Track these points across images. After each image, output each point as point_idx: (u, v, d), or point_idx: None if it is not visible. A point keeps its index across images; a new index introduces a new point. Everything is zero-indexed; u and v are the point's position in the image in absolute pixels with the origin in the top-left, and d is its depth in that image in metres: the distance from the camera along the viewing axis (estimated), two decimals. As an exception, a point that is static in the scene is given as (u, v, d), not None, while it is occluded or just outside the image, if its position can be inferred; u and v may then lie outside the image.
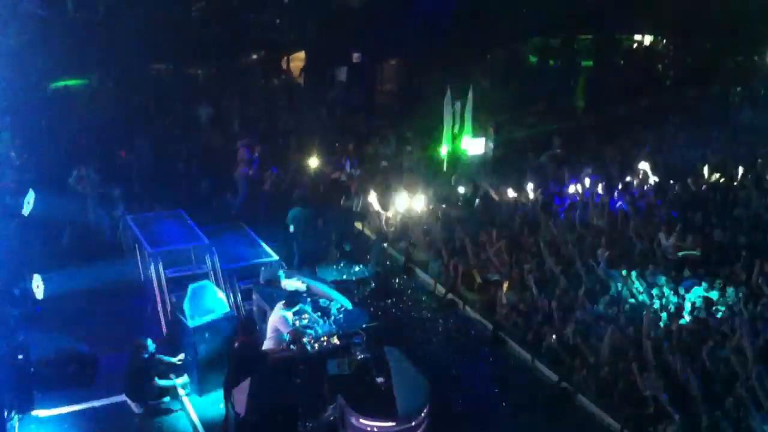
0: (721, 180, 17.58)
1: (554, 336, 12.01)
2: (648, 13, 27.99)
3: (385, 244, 16.05)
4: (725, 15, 25.32)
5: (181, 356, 11.22)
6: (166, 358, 11.17)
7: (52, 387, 10.87)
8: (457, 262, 14.45)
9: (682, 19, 26.88)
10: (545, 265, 13.80)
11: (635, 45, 30.41)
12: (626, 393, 10.75)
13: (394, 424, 9.40)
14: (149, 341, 10.81)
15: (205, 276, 12.33)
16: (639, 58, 28.68)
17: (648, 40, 31.14)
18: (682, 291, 12.79)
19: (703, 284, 12.95)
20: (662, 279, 13.07)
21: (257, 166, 18.56)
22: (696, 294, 12.66)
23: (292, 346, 10.41)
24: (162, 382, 10.91)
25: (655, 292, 12.82)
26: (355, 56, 26.01)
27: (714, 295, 12.65)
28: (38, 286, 11.36)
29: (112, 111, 21.17)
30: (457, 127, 19.70)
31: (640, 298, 12.70)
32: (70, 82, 21.75)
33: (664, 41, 30.33)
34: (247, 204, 17.76)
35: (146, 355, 10.73)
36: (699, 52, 27.72)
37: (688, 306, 12.34)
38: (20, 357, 10.37)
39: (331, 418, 9.84)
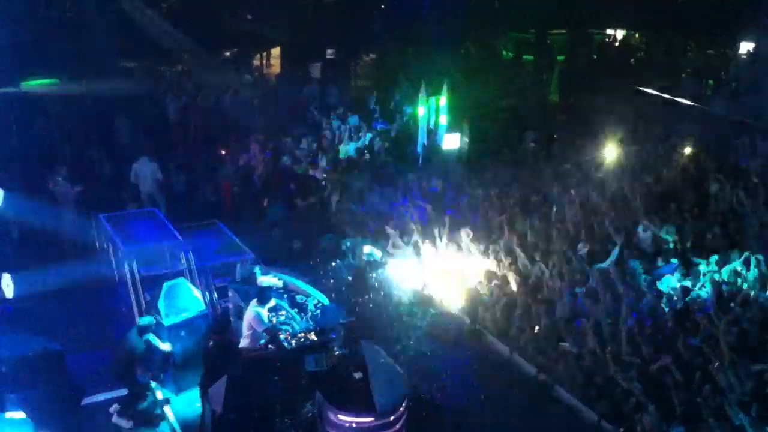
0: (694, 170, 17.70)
1: (535, 328, 12.08)
2: (620, 9, 28.28)
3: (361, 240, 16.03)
4: (695, 10, 25.64)
5: (168, 345, 10.98)
6: (155, 341, 10.91)
7: (23, 387, 10.68)
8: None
9: (653, 14, 27.15)
10: (523, 258, 13.85)
11: (607, 39, 30.62)
12: (604, 385, 10.82)
13: (372, 419, 9.36)
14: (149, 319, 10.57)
15: (180, 274, 12.23)
16: (611, 53, 28.84)
17: (620, 34, 31.38)
18: (657, 280, 12.88)
19: (677, 273, 13.06)
20: (639, 269, 13.14)
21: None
22: (670, 283, 12.76)
23: (269, 344, 10.35)
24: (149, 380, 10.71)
25: (630, 281, 12.91)
26: (330, 52, 25.95)
27: (688, 283, 12.74)
28: (8, 285, 11.19)
29: (83, 110, 21.03)
30: (432, 121, 19.73)
31: (619, 288, 12.75)
32: (41, 81, 21.50)
33: (637, 35, 30.58)
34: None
35: (147, 336, 10.46)
36: (671, 46, 27.92)
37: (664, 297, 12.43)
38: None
39: (309, 414, 9.80)
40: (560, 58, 27.41)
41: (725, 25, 26.16)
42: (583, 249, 14.06)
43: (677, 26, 26.94)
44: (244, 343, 10.71)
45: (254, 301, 10.72)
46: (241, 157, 18.92)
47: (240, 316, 11.23)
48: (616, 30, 31.46)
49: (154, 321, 10.66)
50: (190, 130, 21.18)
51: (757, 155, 18.01)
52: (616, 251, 13.34)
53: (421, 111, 19.52)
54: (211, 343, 10.16)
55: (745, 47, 27.61)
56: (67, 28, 21.37)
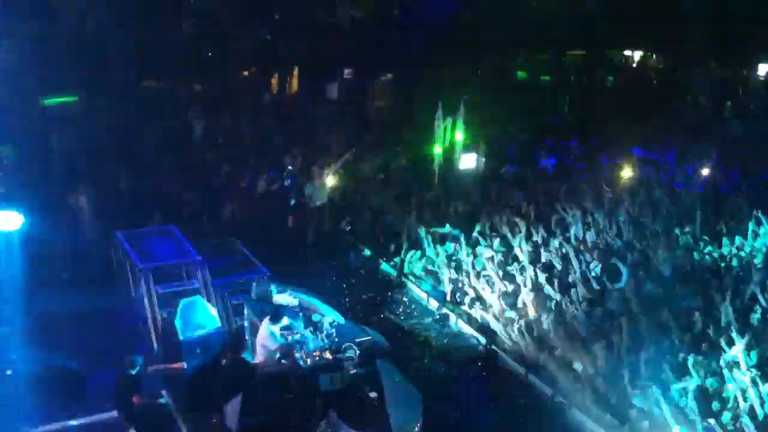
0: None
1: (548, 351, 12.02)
2: (638, 29, 28.26)
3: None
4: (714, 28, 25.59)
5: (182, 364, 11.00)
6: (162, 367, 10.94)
7: (41, 404, 10.75)
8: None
9: (671, 35, 27.12)
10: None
11: (625, 60, 30.60)
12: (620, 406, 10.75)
13: (387, 439, 9.32)
14: (137, 358, 10.68)
15: (197, 292, 12.26)
16: (629, 74, 28.81)
17: (638, 55, 31.34)
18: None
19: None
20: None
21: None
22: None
23: (283, 362, 10.34)
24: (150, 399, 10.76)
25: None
26: (347, 72, 26.10)
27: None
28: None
29: (104, 128, 21.22)
30: (448, 141, 19.76)
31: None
32: (61, 99, 21.72)
33: (654, 56, 30.52)
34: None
35: (134, 371, 10.58)
36: (688, 66, 27.84)
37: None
38: (9, 373, 10.27)
39: (324, 433, 9.78)
40: (576, 78, 27.44)
41: (743, 45, 26.05)
42: (596, 268, 14.05)
43: (694, 47, 26.82)
44: (257, 360, 10.71)
45: (267, 319, 10.74)
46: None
47: (255, 334, 11.25)
48: (633, 51, 31.42)
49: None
50: (212, 149, 21.27)
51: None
52: (626, 271, 13.32)
53: (437, 131, 19.57)
54: (225, 361, 10.15)
55: (764, 69, 27.55)
56: (87, 47, 21.56)
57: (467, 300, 13.93)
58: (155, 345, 12.08)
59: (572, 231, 15.89)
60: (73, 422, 10.75)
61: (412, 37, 24.94)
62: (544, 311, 12.83)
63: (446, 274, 14.61)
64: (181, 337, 10.96)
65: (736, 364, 10.77)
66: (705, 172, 18.88)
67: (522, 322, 12.82)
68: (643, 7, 26.28)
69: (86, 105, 20.93)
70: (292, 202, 17.66)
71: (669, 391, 10.54)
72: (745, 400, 10.22)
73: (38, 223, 13.66)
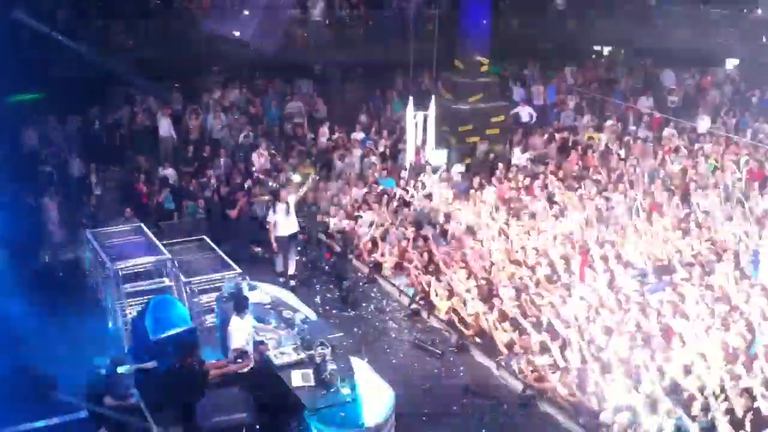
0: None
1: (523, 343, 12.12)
2: (606, 28, 28.61)
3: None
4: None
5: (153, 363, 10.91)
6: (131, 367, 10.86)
7: (9, 406, 10.63)
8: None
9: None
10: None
11: (594, 56, 30.78)
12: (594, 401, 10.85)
13: (360, 435, 9.36)
14: (107, 358, 10.61)
15: (167, 290, 12.19)
16: (599, 70, 28.98)
17: (606, 50, 31.55)
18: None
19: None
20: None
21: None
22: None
23: (254, 359, 10.32)
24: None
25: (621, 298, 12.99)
26: (317, 67, 26.01)
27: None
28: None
29: (68, 126, 21.02)
30: (419, 138, 19.79)
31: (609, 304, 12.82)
32: (28, 97, 21.41)
33: (623, 52, 30.74)
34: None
35: (104, 372, 10.50)
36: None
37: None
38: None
39: (296, 431, 9.77)
40: (550, 74, 27.55)
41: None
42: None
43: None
44: (229, 358, 10.68)
45: (240, 316, 10.71)
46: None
47: (225, 332, 11.20)
48: (602, 48, 31.63)
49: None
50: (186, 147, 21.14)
51: None
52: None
53: (407, 126, 19.60)
54: (182, 365, 10.03)
55: (731, 63, 27.86)
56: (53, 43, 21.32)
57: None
58: (125, 344, 11.99)
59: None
60: (42, 423, 10.64)
61: (384, 32, 25.09)
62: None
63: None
64: (151, 336, 10.86)
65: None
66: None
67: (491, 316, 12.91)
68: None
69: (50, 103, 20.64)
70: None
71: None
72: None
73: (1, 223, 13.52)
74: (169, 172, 18.98)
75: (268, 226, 14.97)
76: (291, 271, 14.94)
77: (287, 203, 14.78)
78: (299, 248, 16.02)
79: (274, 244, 14.93)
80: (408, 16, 24.12)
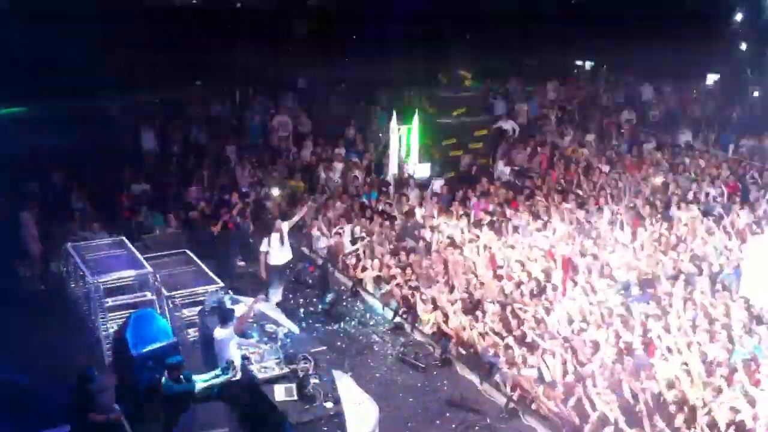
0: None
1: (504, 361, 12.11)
2: (590, 42, 28.88)
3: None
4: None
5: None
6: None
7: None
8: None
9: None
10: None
11: (576, 70, 31.11)
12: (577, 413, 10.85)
13: (343, 449, 9.32)
14: (88, 372, 10.51)
15: (149, 304, 12.13)
16: (581, 85, 29.26)
17: (588, 65, 31.87)
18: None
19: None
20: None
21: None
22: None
23: (237, 373, 10.26)
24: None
25: (604, 311, 13.03)
26: (301, 81, 26.08)
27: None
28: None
29: (54, 138, 20.90)
30: (403, 151, 19.86)
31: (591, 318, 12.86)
32: (9, 111, 21.36)
33: (604, 67, 31.05)
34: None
35: (89, 386, 10.42)
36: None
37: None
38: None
39: (279, 446, 9.72)
40: (530, 87, 27.77)
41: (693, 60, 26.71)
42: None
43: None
44: (212, 371, 10.60)
45: (223, 330, 10.65)
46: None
47: (209, 346, 11.14)
48: (584, 61, 31.96)
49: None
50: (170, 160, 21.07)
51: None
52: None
53: (391, 140, 19.66)
54: (165, 380, 9.95)
55: (712, 78, 28.21)
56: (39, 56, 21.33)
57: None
58: (106, 359, 11.90)
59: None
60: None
61: (368, 46, 25.18)
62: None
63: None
64: (132, 351, 10.79)
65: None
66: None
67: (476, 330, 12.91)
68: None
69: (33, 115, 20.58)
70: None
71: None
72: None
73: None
74: (144, 187, 18.86)
75: (260, 256, 14.72)
76: (278, 299, 14.74)
77: (281, 232, 14.58)
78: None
79: (264, 274, 14.60)
80: (392, 32, 24.26)
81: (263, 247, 14.57)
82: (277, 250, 14.53)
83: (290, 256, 14.87)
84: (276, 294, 14.65)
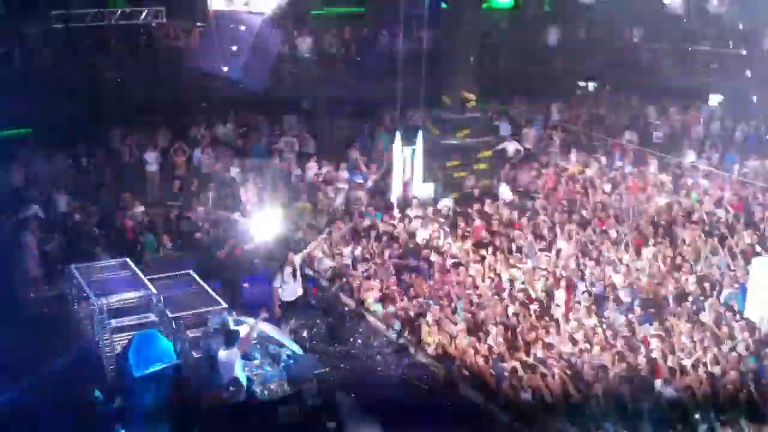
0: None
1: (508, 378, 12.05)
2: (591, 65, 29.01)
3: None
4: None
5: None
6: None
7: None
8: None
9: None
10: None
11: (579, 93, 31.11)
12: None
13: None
14: (90, 394, 10.50)
15: (152, 325, 12.11)
16: (585, 106, 29.31)
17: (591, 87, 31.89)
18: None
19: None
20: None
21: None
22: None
23: (240, 394, 10.23)
24: None
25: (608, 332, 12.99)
26: (305, 102, 26.11)
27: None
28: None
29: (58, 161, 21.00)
30: (407, 172, 19.89)
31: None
32: (13, 132, 21.43)
33: (608, 88, 31.09)
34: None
35: (98, 407, 10.38)
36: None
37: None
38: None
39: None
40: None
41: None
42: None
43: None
44: (216, 393, 10.58)
45: (226, 351, 10.63)
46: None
47: (213, 367, 11.11)
48: (588, 83, 31.97)
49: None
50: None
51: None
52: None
53: (395, 161, 19.70)
54: (173, 401, 9.95)
55: (716, 99, 28.19)
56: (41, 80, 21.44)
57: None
58: (109, 380, 11.87)
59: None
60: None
61: (371, 67, 25.32)
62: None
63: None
64: (134, 372, 10.78)
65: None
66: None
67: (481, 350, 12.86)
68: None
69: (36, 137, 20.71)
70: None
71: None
72: None
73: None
74: (139, 210, 18.83)
75: (274, 291, 14.35)
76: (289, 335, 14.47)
77: (293, 265, 14.44)
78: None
79: (278, 310, 14.19)
80: (396, 53, 24.30)
81: (276, 283, 14.32)
82: (289, 285, 14.34)
83: (301, 291, 14.64)
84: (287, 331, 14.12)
